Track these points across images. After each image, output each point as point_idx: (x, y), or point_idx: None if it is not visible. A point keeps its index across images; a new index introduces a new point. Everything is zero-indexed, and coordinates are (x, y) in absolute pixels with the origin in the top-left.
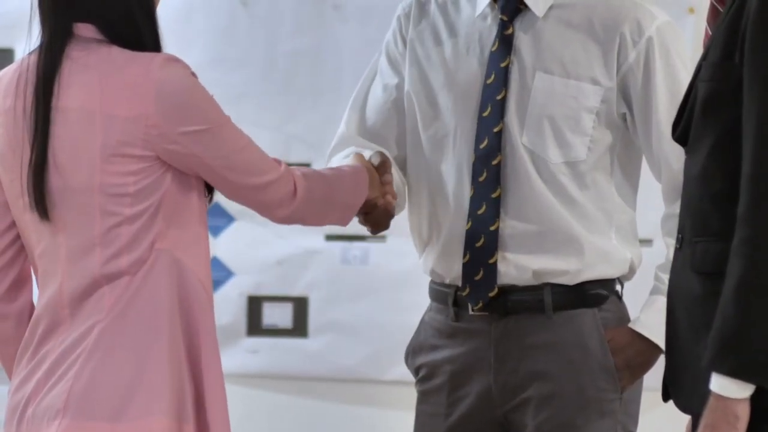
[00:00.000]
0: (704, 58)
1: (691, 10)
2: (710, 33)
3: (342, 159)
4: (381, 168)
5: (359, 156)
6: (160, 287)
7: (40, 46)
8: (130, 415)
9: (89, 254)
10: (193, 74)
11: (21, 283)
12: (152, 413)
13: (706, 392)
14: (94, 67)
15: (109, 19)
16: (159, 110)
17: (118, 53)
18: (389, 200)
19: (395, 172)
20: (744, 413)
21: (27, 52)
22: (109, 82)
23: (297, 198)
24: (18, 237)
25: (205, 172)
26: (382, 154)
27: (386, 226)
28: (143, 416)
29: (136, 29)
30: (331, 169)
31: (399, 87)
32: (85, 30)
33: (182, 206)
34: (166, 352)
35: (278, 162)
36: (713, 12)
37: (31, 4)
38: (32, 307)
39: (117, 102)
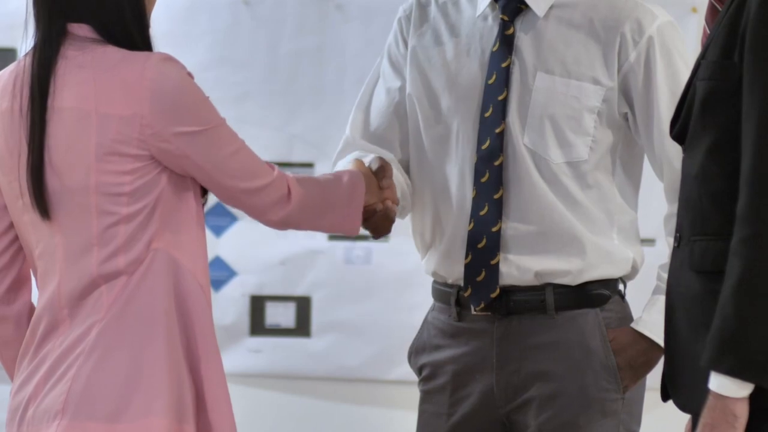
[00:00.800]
0: (703, 56)
1: (694, 10)
2: (708, 32)
3: (345, 165)
4: (380, 173)
5: (359, 162)
6: (158, 287)
7: (35, 47)
8: (129, 415)
9: (87, 254)
10: (189, 74)
11: (20, 284)
12: (151, 413)
13: (705, 391)
14: (89, 66)
15: (101, 20)
16: (154, 109)
17: (113, 52)
18: (389, 205)
19: (400, 175)
20: (743, 412)
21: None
22: (103, 81)
23: (291, 202)
24: (16, 239)
25: (198, 174)
26: (381, 159)
27: (387, 231)
28: (142, 417)
29: (126, 30)
30: (328, 174)
31: (401, 90)
32: (80, 30)
33: (179, 207)
34: (164, 353)
35: (271, 166)
36: (712, 11)
37: (27, 4)
38: (32, 309)
39: (112, 101)
